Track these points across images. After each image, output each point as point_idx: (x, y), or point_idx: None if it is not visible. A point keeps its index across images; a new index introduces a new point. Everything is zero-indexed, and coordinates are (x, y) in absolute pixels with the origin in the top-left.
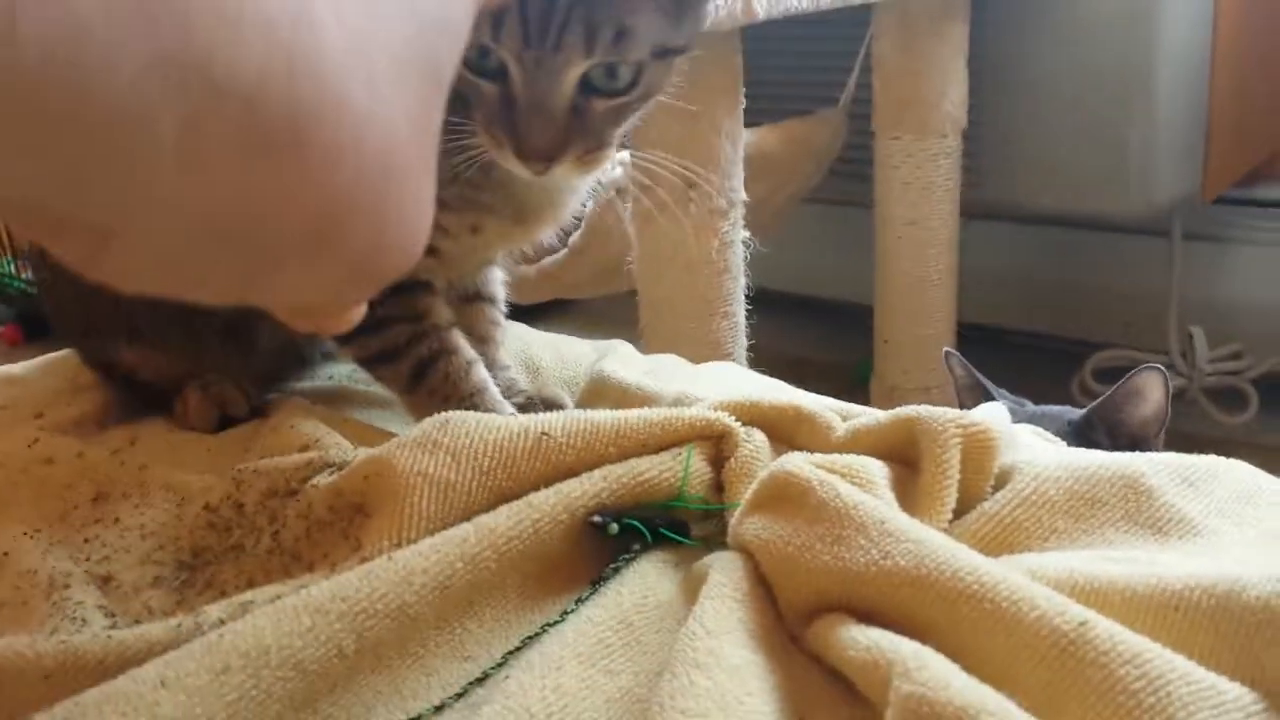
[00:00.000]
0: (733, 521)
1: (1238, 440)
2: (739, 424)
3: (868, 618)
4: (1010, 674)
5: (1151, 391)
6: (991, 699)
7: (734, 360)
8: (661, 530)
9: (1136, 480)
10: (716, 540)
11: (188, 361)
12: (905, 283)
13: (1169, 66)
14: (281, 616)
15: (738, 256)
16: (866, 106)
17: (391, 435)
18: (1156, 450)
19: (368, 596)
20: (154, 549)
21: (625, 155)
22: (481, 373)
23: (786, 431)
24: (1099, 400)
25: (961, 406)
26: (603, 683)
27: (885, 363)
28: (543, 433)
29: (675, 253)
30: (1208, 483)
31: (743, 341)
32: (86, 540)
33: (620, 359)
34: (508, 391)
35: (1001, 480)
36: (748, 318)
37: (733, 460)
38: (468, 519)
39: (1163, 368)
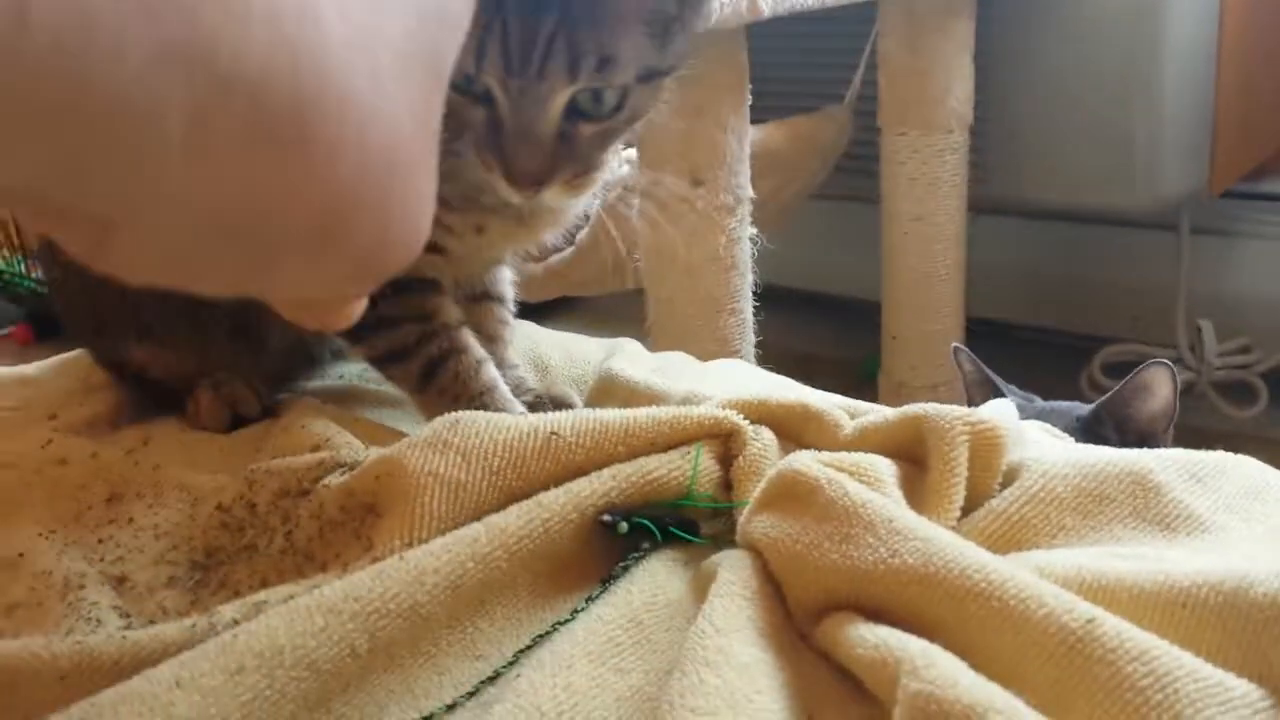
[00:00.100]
0: (741, 520)
1: (1247, 434)
2: (747, 422)
3: (876, 616)
4: (1018, 671)
5: (1159, 387)
6: (999, 697)
7: (742, 357)
8: (671, 529)
9: (1145, 477)
10: (725, 538)
11: (197, 359)
12: (912, 278)
13: (1175, 61)
14: (295, 616)
15: (745, 253)
16: (872, 103)
17: (402, 435)
18: (1165, 445)
19: (380, 596)
20: (168, 549)
21: (632, 153)
22: (491, 371)
23: (795, 429)
24: (1107, 396)
25: (970, 402)
26: (613, 681)
27: (893, 359)
28: (552, 432)
29: (682, 250)
30: (1216, 479)
31: (750, 338)
32: (101, 541)
33: (628, 357)
34: (516, 390)
35: (1009, 477)
36: (755, 314)
37: (741, 458)
38: (478, 519)
39: (1170, 363)
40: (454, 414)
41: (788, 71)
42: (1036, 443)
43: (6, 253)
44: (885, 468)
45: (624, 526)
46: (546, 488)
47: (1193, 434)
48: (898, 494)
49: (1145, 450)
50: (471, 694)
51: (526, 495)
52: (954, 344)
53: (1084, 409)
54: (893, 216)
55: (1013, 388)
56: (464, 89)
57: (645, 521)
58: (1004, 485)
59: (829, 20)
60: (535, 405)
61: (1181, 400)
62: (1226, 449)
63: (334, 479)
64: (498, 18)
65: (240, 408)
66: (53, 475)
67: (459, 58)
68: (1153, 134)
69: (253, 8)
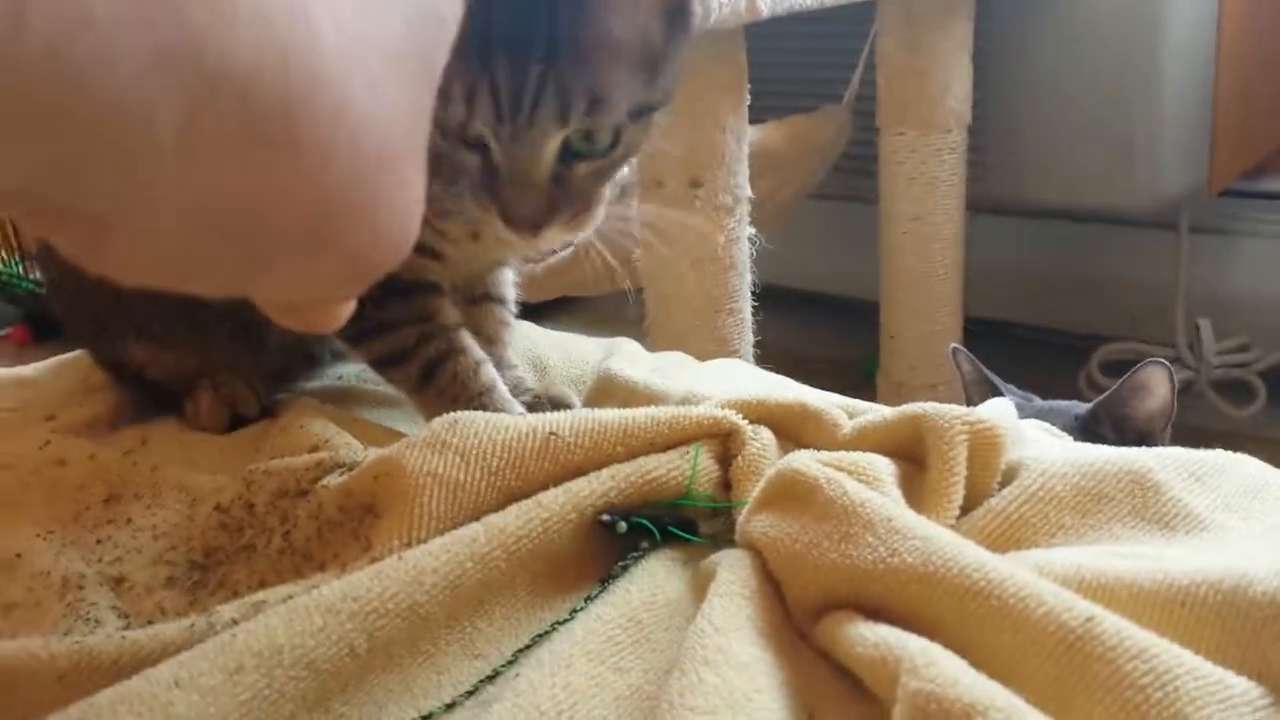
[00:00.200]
0: (740, 519)
1: (1245, 433)
2: (746, 422)
3: (875, 614)
4: (1018, 670)
5: (1157, 386)
6: (999, 695)
7: (740, 357)
8: (670, 528)
9: (1143, 476)
10: (724, 538)
11: (196, 359)
12: (911, 278)
13: (1174, 60)
14: (294, 616)
15: (743, 253)
16: (871, 103)
17: (401, 435)
18: (1163, 444)
19: (379, 596)
20: (166, 549)
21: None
22: (490, 372)
23: (793, 429)
24: (1105, 395)
25: (969, 402)
26: (612, 680)
27: (891, 358)
28: (551, 432)
29: (681, 250)
30: (1215, 478)
31: (749, 338)
32: (99, 541)
33: (627, 357)
34: (515, 390)
35: (1008, 476)
36: (754, 314)
37: (740, 458)
38: (477, 519)
39: (1168, 362)
40: (453, 414)
41: (786, 71)
42: (1035, 442)
43: (4, 254)
44: (884, 467)
45: (623, 526)
46: (545, 488)
47: (1191, 433)
48: (897, 493)
49: (1144, 449)
50: (470, 693)
51: (525, 495)
52: (952, 344)
53: (1082, 408)
54: (891, 216)
55: (1011, 387)
56: (457, 136)
57: (644, 521)
58: (1003, 484)
59: (827, 20)
60: (534, 405)
61: (1180, 399)
62: (1225, 448)
63: (332, 479)
64: (488, 67)
65: (240, 408)
66: (51, 476)
67: (451, 107)
68: (1151, 133)
69: (239, 8)
